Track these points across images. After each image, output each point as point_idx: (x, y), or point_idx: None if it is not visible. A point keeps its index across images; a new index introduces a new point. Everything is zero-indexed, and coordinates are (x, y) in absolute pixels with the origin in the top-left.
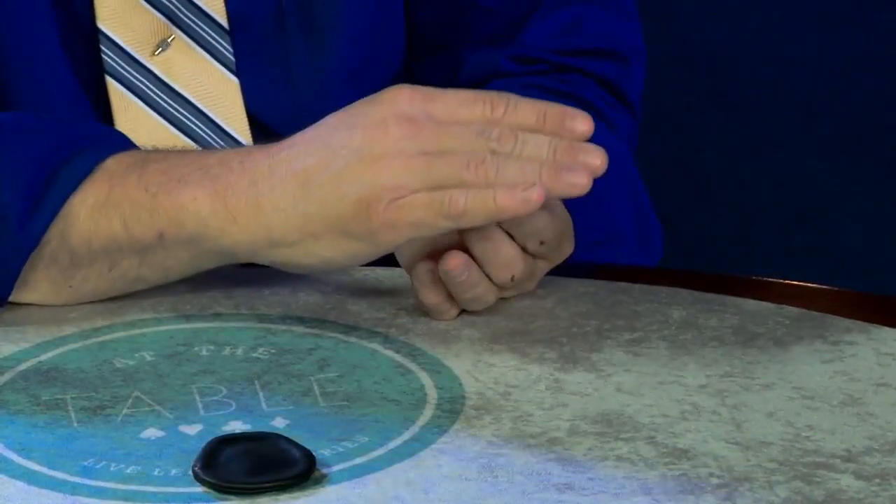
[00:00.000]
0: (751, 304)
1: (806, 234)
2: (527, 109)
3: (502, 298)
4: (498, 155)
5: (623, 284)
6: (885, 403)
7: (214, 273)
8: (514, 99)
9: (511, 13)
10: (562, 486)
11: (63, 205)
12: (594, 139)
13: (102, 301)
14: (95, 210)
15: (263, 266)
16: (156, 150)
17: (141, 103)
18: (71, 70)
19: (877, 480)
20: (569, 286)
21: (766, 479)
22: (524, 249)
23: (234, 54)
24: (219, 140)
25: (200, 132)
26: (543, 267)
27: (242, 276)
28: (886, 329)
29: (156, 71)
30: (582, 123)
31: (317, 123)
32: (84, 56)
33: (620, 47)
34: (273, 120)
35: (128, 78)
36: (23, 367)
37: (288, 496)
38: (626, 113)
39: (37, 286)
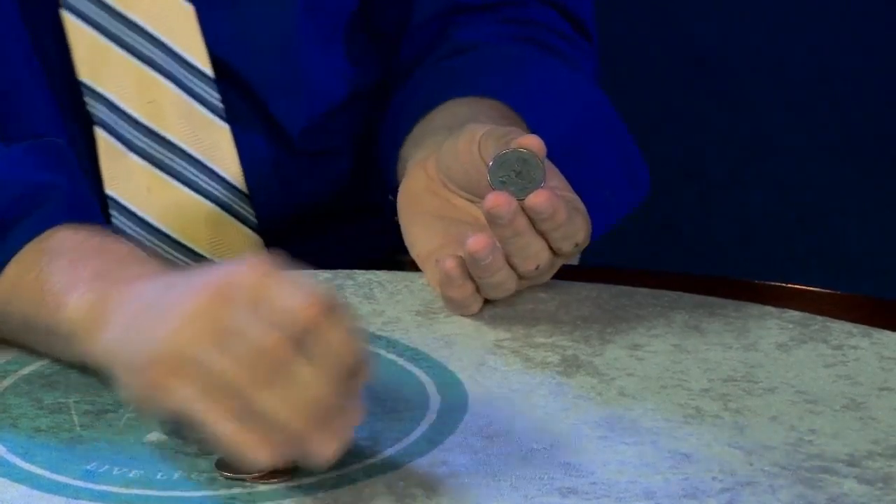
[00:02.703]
0: (753, 308)
1: (808, 238)
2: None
3: (506, 300)
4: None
5: (626, 288)
6: (887, 408)
7: None
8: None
9: None
10: (564, 489)
11: None
12: (571, 92)
13: None
14: (5, 298)
15: None
16: (74, 243)
17: (98, 35)
18: (25, 6)
19: (879, 485)
20: (571, 290)
21: (769, 484)
22: (559, 250)
23: None
24: (180, 69)
25: (160, 62)
26: (562, 259)
27: None
28: (889, 333)
29: (110, 2)
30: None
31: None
32: None
33: None
34: (230, 54)
35: (82, 10)
36: (26, 371)
37: (290, 500)
38: (584, 41)
39: None
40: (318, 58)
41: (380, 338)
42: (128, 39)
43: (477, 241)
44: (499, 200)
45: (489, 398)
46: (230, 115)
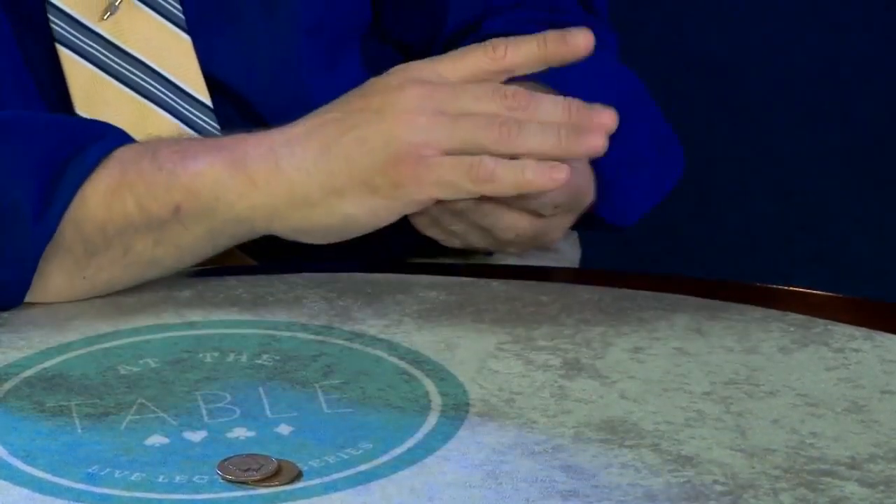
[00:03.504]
0: (755, 311)
1: (810, 242)
2: (526, 43)
3: (508, 303)
4: (517, 118)
5: (627, 291)
6: (889, 410)
7: (219, 280)
8: (509, 40)
9: None
10: (566, 493)
11: (75, 195)
12: (604, 73)
13: (106, 307)
14: (108, 195)
15: (268, 272)
16: (164, 138)
17: (95, 69)
18: (22, 42)
19: (881, 487)
20: (573, 293)
21: (771, 487)
22: (540, 215)
23: (184, 12)
24: (178, 99)
25: (158, 93)
26: (563, 221)
27: (247, 282)
28: (891, 336)
29: (106, 35)
30: (583, 38)
31: (328, 104)
32: (33, 27)
33: None
34: (231, 77)
35: (78, 44)
36: (27, 373)
37: None
38: (606, 27)
39: (51, 279)
40: (322, 79)
41: (381, 341)
42: (124, 72)
43: None
44: None
45: (490, 401)
46: None
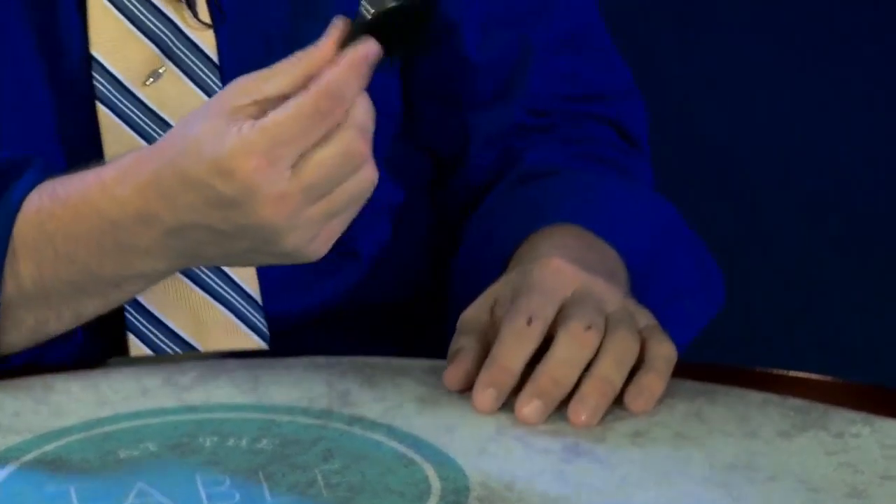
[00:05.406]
0: (755, 396)
1: (809, 327)
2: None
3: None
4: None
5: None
6: (889, 496)
7: (219, 363)
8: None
9: (504, 66)
10: None
11: (7, 249)
12: (646, 209)
13: (106, 392)
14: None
15: (268, 355)
16: (53, 198)
17: (131, 131)
18: (58, 96)
19: None
20: None
21: None
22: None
23: (223, 87)
24: None
25: None
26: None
27: (247, 365)
28: (891, 421)
29: (146, 101)
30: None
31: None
32: (72, 83)
33: (617, 88)
34: None
35: (118, 106)
36: (27, 457)
37: None
38: (638, 154)
39: None
40: None
41: (380, 425)
42: (158, 139)
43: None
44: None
45: (490, 485)
46: None
